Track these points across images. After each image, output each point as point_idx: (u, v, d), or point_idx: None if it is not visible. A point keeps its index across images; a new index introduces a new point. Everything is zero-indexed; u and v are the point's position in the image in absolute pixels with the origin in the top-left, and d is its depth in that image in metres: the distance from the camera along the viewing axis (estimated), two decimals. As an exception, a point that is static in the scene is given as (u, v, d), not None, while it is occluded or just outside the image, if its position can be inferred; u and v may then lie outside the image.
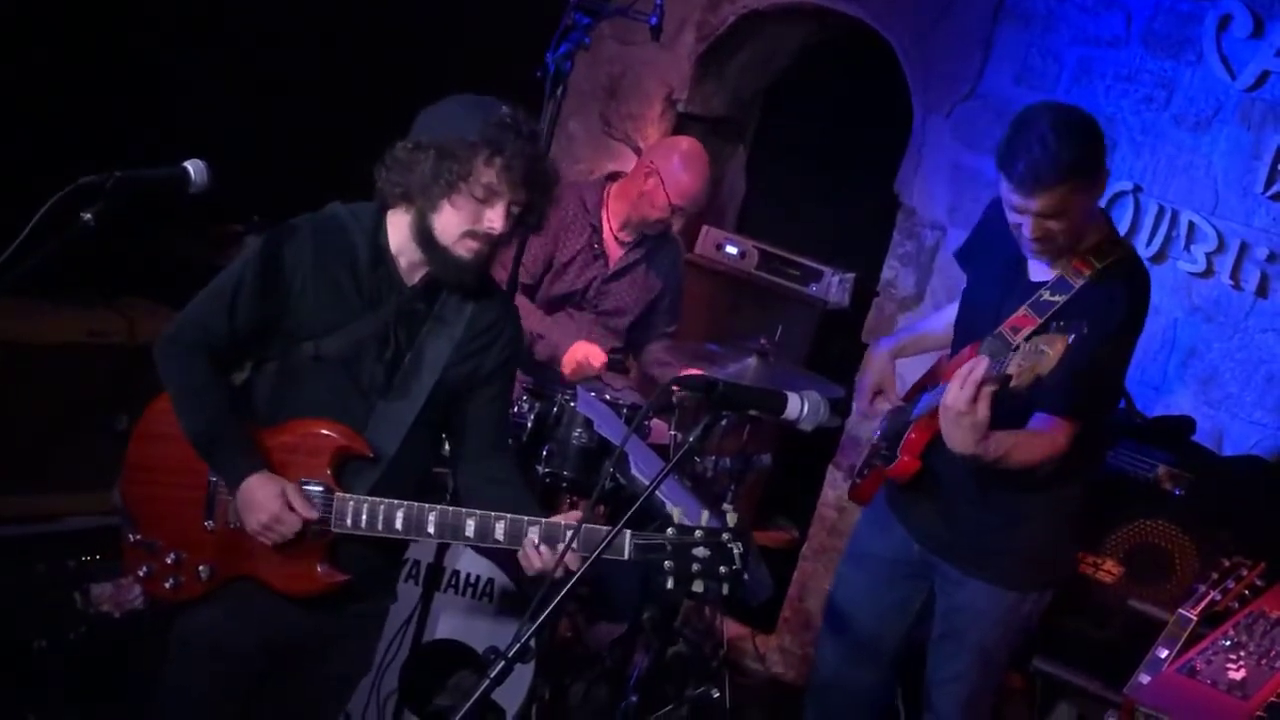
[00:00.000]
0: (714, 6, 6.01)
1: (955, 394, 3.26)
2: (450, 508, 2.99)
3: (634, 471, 3.65)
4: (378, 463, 3.07)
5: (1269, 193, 4.81)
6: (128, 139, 4.70)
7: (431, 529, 2.99)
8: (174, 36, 5.22)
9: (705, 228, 6.25)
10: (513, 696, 3.99)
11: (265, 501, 2.97)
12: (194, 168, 2.88)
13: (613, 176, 5.15)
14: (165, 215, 4.45)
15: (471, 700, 2.55)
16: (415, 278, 3.08)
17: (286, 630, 3.15)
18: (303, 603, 3.11)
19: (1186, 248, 4.96)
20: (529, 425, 4.41)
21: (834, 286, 5.95)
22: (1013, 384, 3.17)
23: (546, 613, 2.61)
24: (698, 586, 2.85)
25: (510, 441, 3.36)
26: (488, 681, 2.53)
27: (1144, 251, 4.97)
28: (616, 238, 5.04)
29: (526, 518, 2.96)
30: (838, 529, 5.59)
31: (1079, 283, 3.47)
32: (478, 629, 4.08)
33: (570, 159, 6.35)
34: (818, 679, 4.10)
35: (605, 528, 2.91)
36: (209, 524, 3.09)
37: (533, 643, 2.58)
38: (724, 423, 4.60)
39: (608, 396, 4.47)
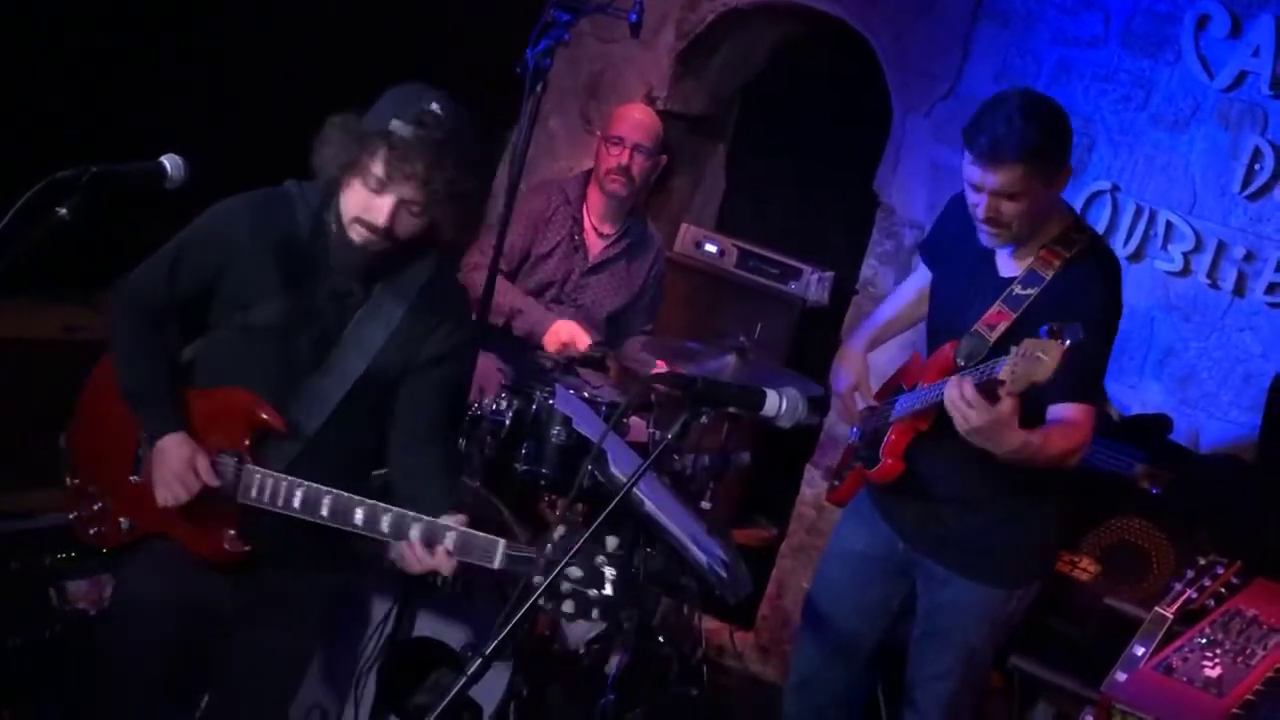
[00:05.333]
0: (693, 4, 6.01)
1: (966, 417, 3.27)
2: (344, 493, 3.00)
3: (612, 469, 3.64)
4: (296, 439, 3.09)
5: (1246, 192, 4.83)
6: (104, 133, 4.67)
7: (325, 511, 3.01)
8: (154, 28, 5.19)
9: (684, 225, 6.25)
10: (490, 694, 3.98)
11: (172, 460, 3.04)
12: (170, 162, 2.93)
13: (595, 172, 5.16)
14: (142, 210, 4.43)
15: (448, 698, 2.54)
16: (354, 261, 3.10)
17: (208, 594, 3.19)
18: (224, 568, 3.15)
19: (1164, 247, 4.98)
20: (507, 423, 4.40)
21: (813, 284, 5.95)
22: (1005, 390, 3.17)
23: (524, 611, 2.60)
24: (568, 607, 2.78)
25: (453, 439, 3.32)
26: (465, 679, 2.53)
27: (1121, 251, 4.98)
28: (597, 230, 5.06)
29: (410, 513, 2.96)
30: (816, 527, 5.59)
31: (1049, 274, 3.49)
32: (456, 627, 4.07)
33: (550, 156, 6.34)
34: (796, 676, 4.10)
35: (485, 536, 2.91)
36: (134, 478, 3.15)
37: (511, 641, 2.57)
38: (703, 420, 4.59)
39: (586, 394, 4.47)
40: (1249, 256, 4.83)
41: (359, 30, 5.61)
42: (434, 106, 2.97)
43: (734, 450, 4.71)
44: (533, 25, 3.61)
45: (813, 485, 5.67)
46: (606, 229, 5.08)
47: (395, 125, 2.94)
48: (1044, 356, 3.08)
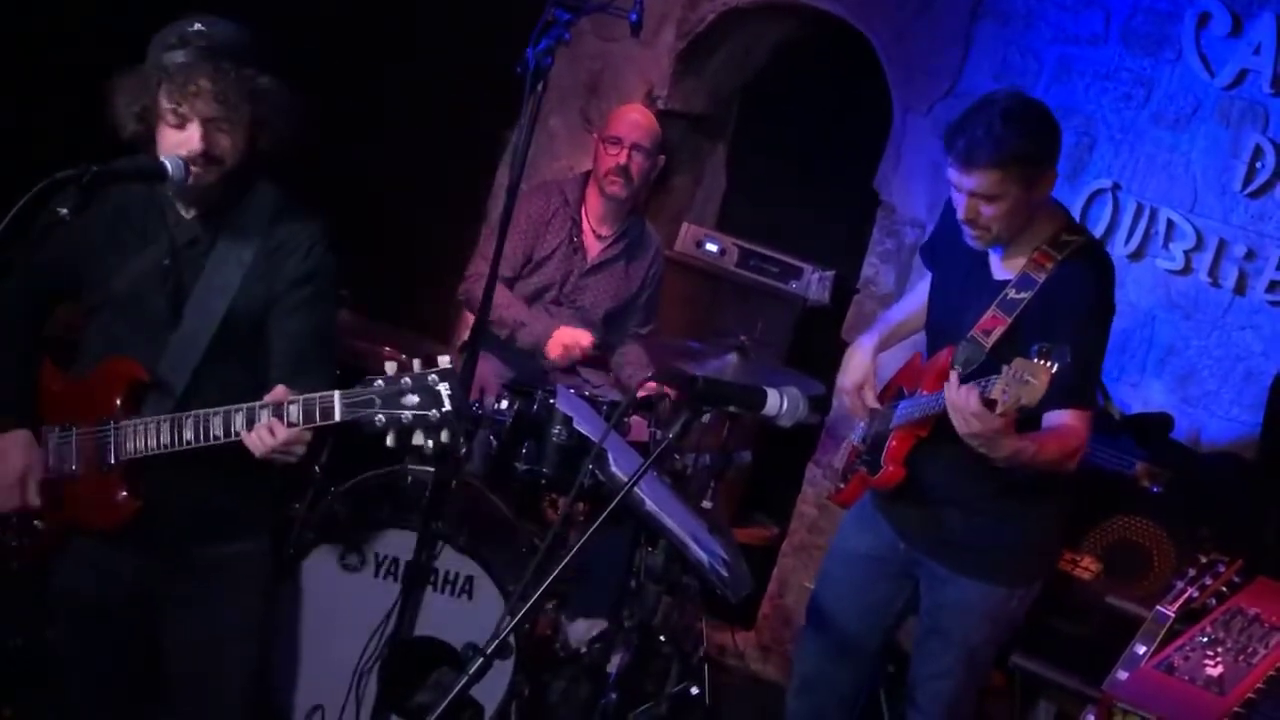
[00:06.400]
0: (693, 3, 6.01)
1: (967, 422, 3.27)
2: (201, 411, 3.01)
3: (613, 469, 3.64)
4: (168, 395, 3.12)
5: (1247, 190, 4.83)
6: (106, 132, 4.67)
7: (190, 435, 3.02)
8: (156, 28, 5.19)
9: (685, 225, 6.25)
10: (492, 693, 3.99)
11: (7, 473, 3.11)
12: (171, 162, 2.95)
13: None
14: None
15: (450, 697, 2.54)
16: (192, 209, 3.14)
17: (131, 579, 3.24)
18: (137, 548, 3.18)
19: (1165, 245, 4.98)
20: (508, 423, 4.40)
21: (814, 283, 5.95)
22: (998, 411, 3.17)
23: (525, 609, 2.60)
24: (418, 438, 2.82)
25: (331, 365, 3.30)
26: (466, 678, 2.53)
27: (1122, 249, 4.99)
28: (595, 232, 5.06)
29: (257, 404, 2.95)
30: (818, 526, 5.59)
31: (1042, 277, 3.48)
32: (457, 626, 4.08)
33: (550, 156, 6.34)
34: (800, 675, 4.10)
35: (320, 394, 2.90)
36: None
37: (512, 639, 2.57)
38: (704, 419, 4.60)
39: (587, 393, 4.47)
40: (1250, 255, 4.83)
41: (360, 30, 5.62)
42: (195, 25, 3.01)
43: (735, 449, 4.70)
44: (533, 25, 3.60)
45: (814, 484, 5.67)
46: (605, 230, 5.08)
47: (165, 57, 2.98)
48: (1033, 380, 3.07)
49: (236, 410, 2.97)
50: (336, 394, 2.88)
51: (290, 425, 2.92)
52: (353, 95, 5.46)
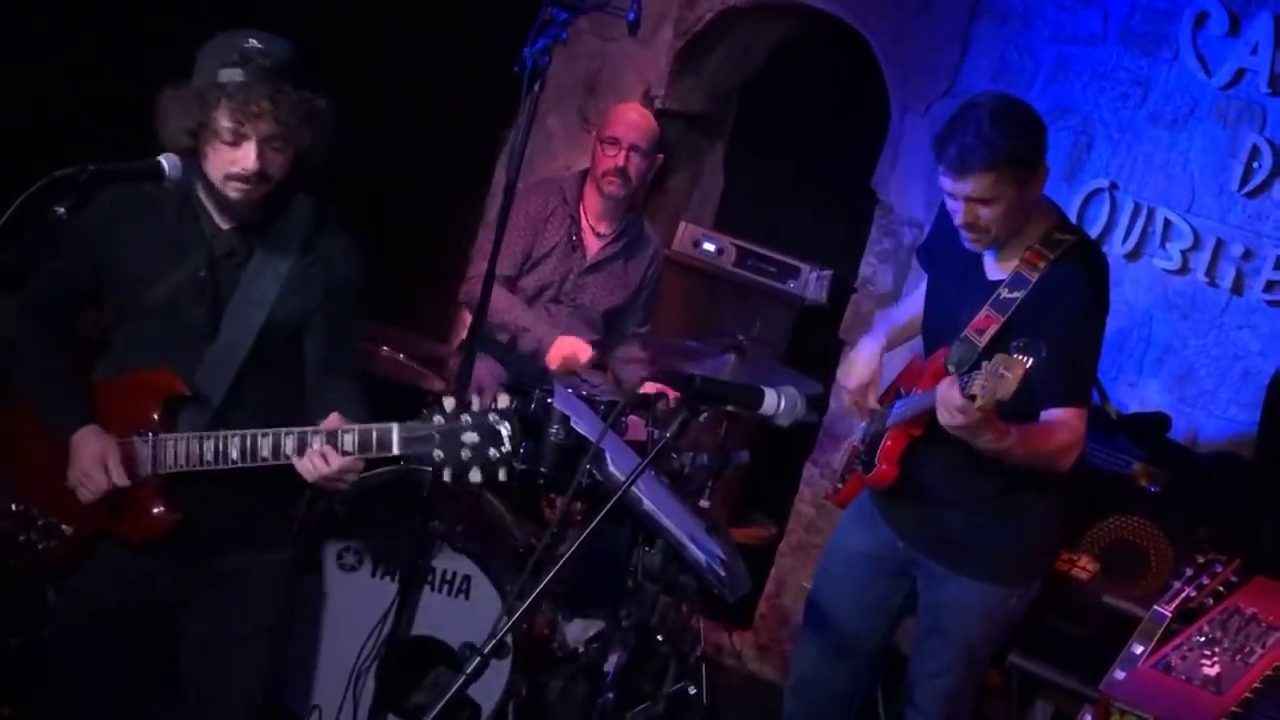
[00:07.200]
0: (691, 2, 6.00)
1: (950, 419, 3.27)
2: (247, 431, 3.01)
3: (611, 468, 3.64)
4: (207, 407, 3.11)
5: (1244, 190, 4.83)
6: (104, 132, 4.67)
7: (235, 454, 3.02)
8: (154, 29, 5.19)
9: (683, 224, 6.25)
10: (489, 693, 3.99)
11: (83, 458, 3.07)
12: (168, 162, 2.95)
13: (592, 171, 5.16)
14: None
15: (447, 696, 2.54)
16: (230, 221, 3.13)
17: (159, 589, 3.23)
18: (165, 556, 3.17)
19: (1162, 245, 4.98)
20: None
21: (812, 283, 5.96)
22: (977, 405, 3.18)
23: (523, 609, 2.60)
24: (475, 475, 2.83)
25: (353, 371, 3.33)
26: (463, 677, 2.53)
27: (1120, 249, 4.99)
28: (594, 230, 5.06)
29: (310, 429, 2.97)
30: (815, 525, 5.59)
31: (1035, 276, 3.49)
32: (454, 625, 4.08)
33: (548, 155, 6.33)
34: (797, 675, 4.10)
35: (379, 425, 2.91)
36: (70, 483, 3.16)
37: (509, 639, 2.57)
38: (701, 418, 4.59)
39: (585, 392, 4.47)
40: (1247, 254, 4.83)
41: (360, 30, 5.61)
42: (251, 42, 2.99)
43: (733, 448, 4.70)
44: (530, 24, 3.60)
45: (811, 484, 5.67)
46: (603, 228, 5.08)
47: (224, 74, 2.95)
48: (1007, 374, 3.08)
49: (287, 434, 2.98)
50: (395, 426, 2.89)
51: (345, 454, 2.93)
52: (350, 94, 5.45)
